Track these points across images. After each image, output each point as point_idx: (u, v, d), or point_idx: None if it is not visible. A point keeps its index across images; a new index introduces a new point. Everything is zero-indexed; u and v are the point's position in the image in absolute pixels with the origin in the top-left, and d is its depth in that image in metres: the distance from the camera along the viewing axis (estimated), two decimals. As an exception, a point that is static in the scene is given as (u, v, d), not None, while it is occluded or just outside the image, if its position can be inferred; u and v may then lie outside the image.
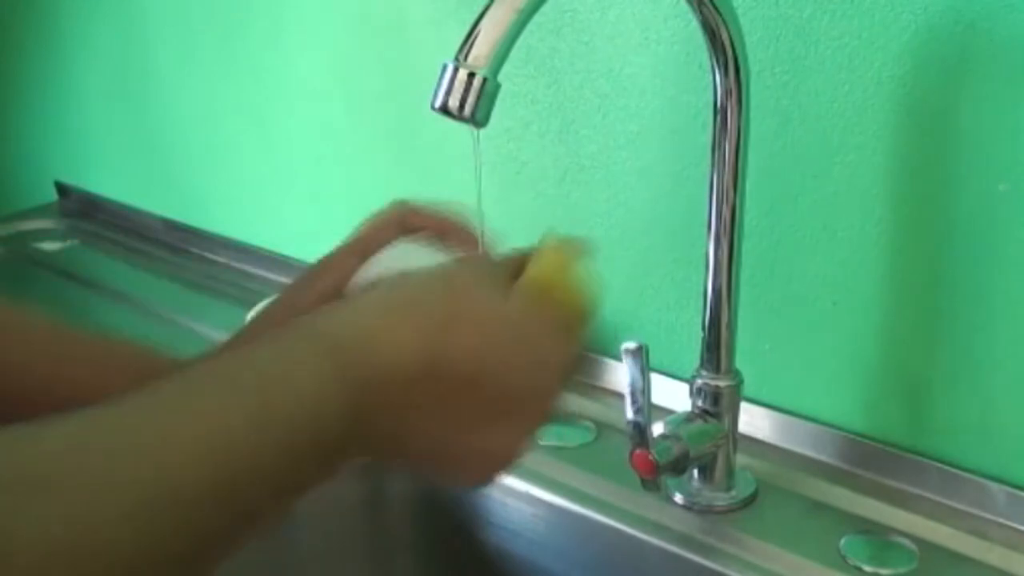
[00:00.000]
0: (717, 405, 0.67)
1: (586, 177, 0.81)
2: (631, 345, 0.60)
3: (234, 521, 0.35)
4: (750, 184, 0.64)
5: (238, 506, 0.35)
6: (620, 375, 0.68)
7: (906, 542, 0.65)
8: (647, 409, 0.61)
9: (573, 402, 0.81)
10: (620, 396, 0.63)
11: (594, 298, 0.47)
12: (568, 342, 0.45)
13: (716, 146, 0.62)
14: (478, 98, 0.49)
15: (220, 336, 0.95)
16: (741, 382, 0.67)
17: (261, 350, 0.38)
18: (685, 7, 0.58)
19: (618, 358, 0.62)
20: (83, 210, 1.32)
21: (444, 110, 0.50)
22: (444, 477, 0.44)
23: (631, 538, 0.68)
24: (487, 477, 0.44)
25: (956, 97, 0.62)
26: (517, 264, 0.46)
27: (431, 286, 0.42)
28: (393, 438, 0.40)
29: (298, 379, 0.37)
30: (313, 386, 0.37)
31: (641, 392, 0.61)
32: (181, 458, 0.33)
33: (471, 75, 0.49)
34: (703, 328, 0.66)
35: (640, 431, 0.62)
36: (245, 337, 0.56)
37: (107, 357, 0.52)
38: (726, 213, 0.63)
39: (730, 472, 0.69)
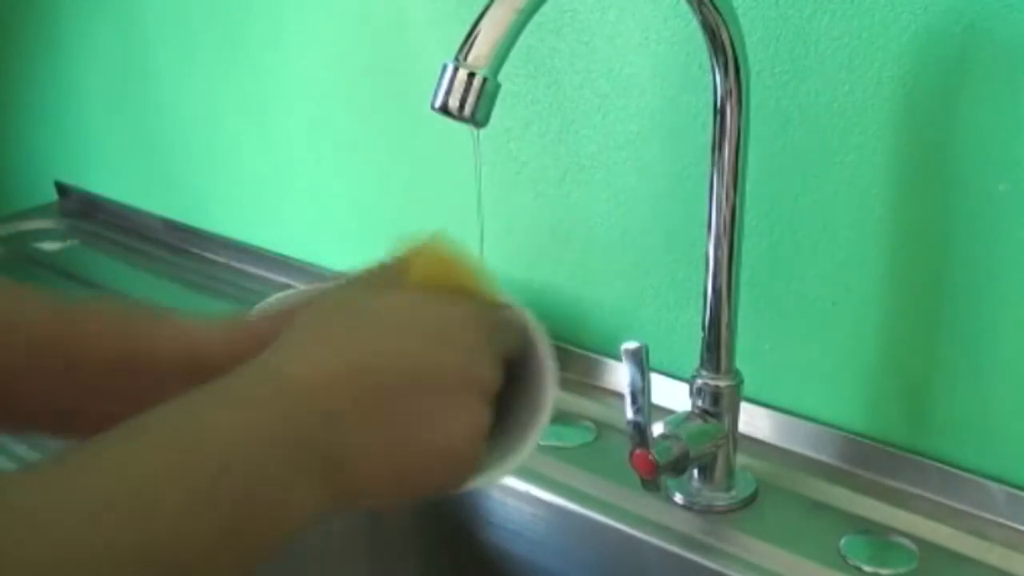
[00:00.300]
0: (717, 405, 0.67)
1: (586, 177, 0.81)
2: (631, 345, 0.60)
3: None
4: (750, 184, 0.64)
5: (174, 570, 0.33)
6: (620, 375, 0.68)
7: (906, 542, 0.65)
8: (647, 409, 0.61)
9: (573, 402, 0.81)
10: (620, 396, 0.63)
11: (479, 275, 0.47)
12: (465, 313, 0.44)
13: (716, 146, 0.62)
14: (478, 98, 0.49)
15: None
16: (741, 382, 0.67)
17: (205, 427, 0.37)
18: (685, 7, 0.58)
19: (618, 358, 0.62)
20: (83, 210, 1.31)
21: (444, 110, 0.50)
22: (420, 487, 0.42)
23: (631, 538, 0.68)
24: (460, 471, 0.43)
25: (956, 97, 0.62)
26: (401, 266, 0.46)
27: (326, 301, 0.44)
28: (349, 460, 0.39)
29: (250, 459, 0.36)
30: (268, 462, 0.36)
31: (641, 392, 0.61)
32: (110, 523, 0.32)
33: (471, 75, 0.49)
34: (703, 328, 0.66)
35: (640, 431, 0.62)
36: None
37: (83, 320, 0.51)
38: (726, 213, 0.63)
39: (730, 472, 0.69)
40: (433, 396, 0.41)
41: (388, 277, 0.46)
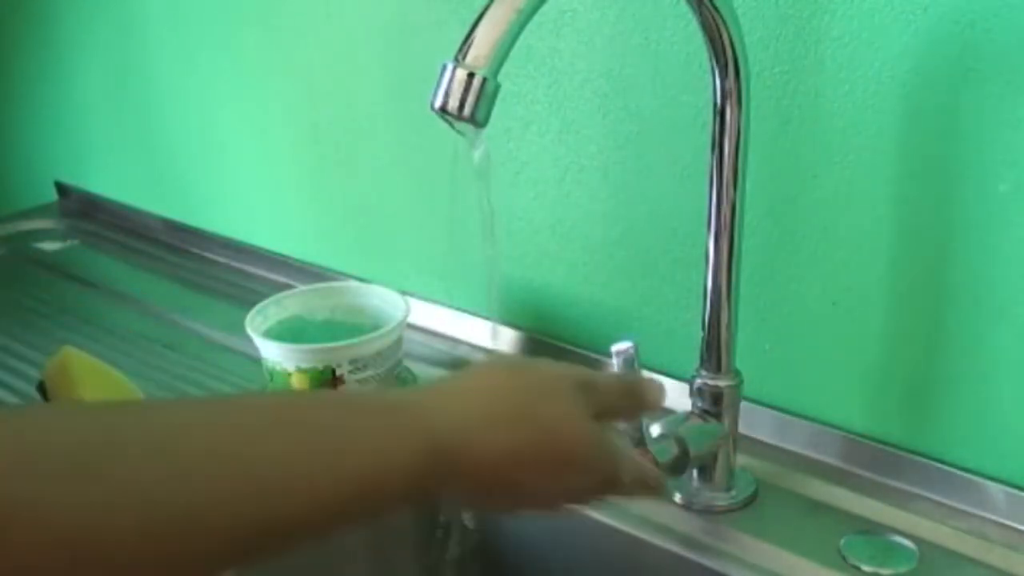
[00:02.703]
0: (717, 405, 0.67)
1: (586, 177, 0.81)
2: (621, 346, 0.60)
3: (257, 547, 0.38)
4: (750, 184, 0.64)
5: (268, 545, 0.38)
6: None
7: (906, 542, 0.65)
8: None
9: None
10: (620, 396, 0.63)
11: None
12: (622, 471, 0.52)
13: (716, 146, 0.62)
14: (478, 98, 0.49)
15: (219, 336, 0.96)
16: (741, 382, 0.67)
17: (362, 415, 0.44)
18: (685, 7, 0.58)
19: (618, 358, 0.62)
20: (83, 210, 1.32)
21: (444, 110, 0.50)
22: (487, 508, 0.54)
23: (631, 538, 0.68)
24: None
25: (956, 97, 0.62)
26: (611, 398, 0.53)
27: (535, 403, 0.48)
28: (457, 499, 0.50)
29: (393, 453, 0.42)
30: (405, 461, 0.43)
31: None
32: (230, 490, 0.36)
33: (471, 75, 0.49)
34: (703, 328, 0.66)
35: (638, 431, 0.62)
36: None
37: None
38: (726, 213, 0.63)
39: (730, 472, 0.69)
40: (555, 498, 0.51)
41: (600, 400, 0.52)
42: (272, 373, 0.78)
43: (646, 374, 0.62)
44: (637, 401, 0.56)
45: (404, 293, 0.85)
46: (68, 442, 0.33)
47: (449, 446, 0.44)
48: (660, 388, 0.56)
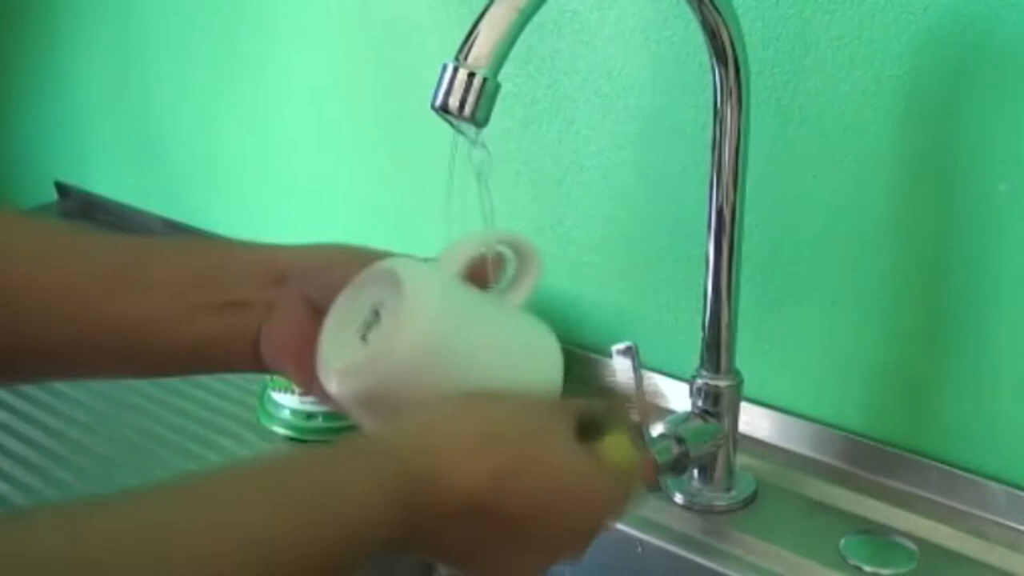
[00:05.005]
0: (717, 405, 0.67)
1: (586, 177, 0.81)
2: (621, 346, 0.60)
3: None
4: (750, 184, 0.64)
5: None
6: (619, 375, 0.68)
7: (906, 542, 0.65)
8: (643, 408, 0.61)
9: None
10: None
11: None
12: (616, 505, 0.47)
13: (716, 146, 0.62)
14: (478, 98, 0.49)
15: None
16: (741, 382, 0.67)
17: (326, 462, 0.41)
18: (685, 7, 0.58)
19: (618, 358, 0.62)
20: (83, 210, 1.31)
21: (444, 110, 0.50)
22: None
23: (631, 538, 0.68)
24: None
25: (956, 97, 0.62)
26: (592, 418, 0.48)
27: (508, 425, 0.44)
28: (436, 549, 0.43)
29: (364, 496, 0.39)
30: (379, 504, 0.39)
31: (636, 392, 0.61)
32: (219, 565, 0.34)
33: (471, 75, 0.49)
34: (703, 328, 0.66)
35: (638, 431, 0.62)
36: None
37: (88, 249, 0.51)
38: (726, 213, 0.63)
39: (730, 472, 0.69)
40: (546, 550, 0.45)
41: (582, 420, 0.47)
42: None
43: (646, 376, 0.62)
44: (625, 414, 0.54)
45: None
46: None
47: (421, 479, 0.40)
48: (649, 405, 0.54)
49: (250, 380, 0.87)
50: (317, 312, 0.48)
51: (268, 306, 0.49)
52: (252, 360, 0.50)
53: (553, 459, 0.44)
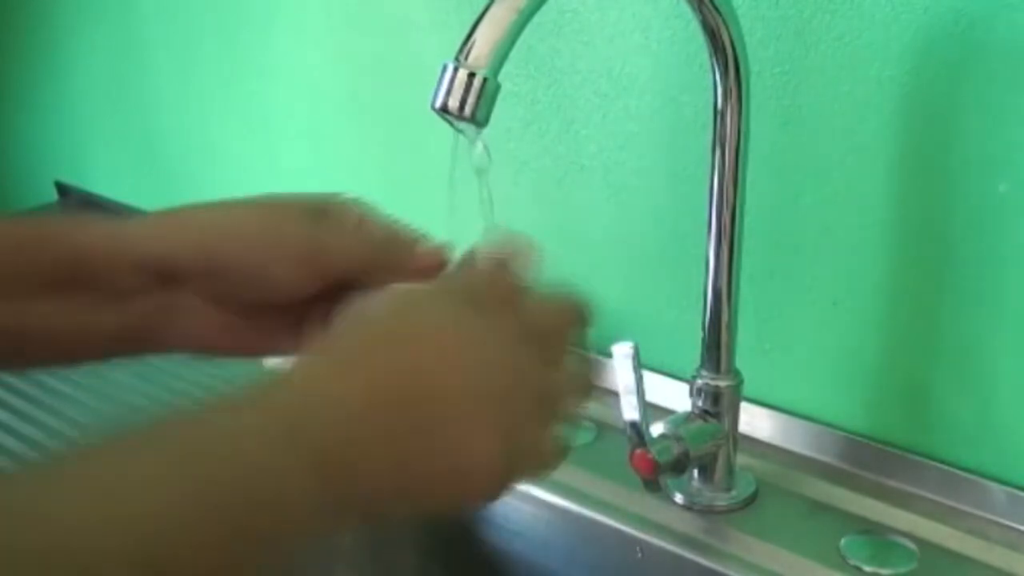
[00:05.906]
0: (717, 405, 0.67)
1: (586, 177, 0.81)
2: (621, 346, 0.60)
3: None
4: (750, 184, 0.64)
5: None
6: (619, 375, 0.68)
7: (906, 542, 0.65)
8: (643, 408, 0.61)
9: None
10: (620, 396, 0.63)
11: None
12: (515, 335, 0.43)
13: (716, 146, 0.62)
14: (478, 98, 0.49)
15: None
16: (741, 382, 0.67)
17: (205, 426, 0.37)
18: (685, 7, 0.58)
19: (618, 358, 0.62)
20: (83, 210, 1.31)
21: (444, 110, 0.50)
22: (427, 503, 0.41)
23: (631, 538, 0.68)
24: (482, 491, 0.41)
25: (956, 97, 0.62)
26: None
27: (379, 318, 0.42)
28: (372, 477, 0.38)
29: (247, 453, 0.35)
30: (264, 456, 0.35)
31: (636, 392, 0.61)
32: (99, 533, 0.31)
33: (471, 75, 0.49)
34: (703, 328, 0.66)
35: (638, 431, 0.62)
36: None
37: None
38: (726, 213, 0.63)
39: (730, 472, 0.69)
40: (452, 419, 0.39)
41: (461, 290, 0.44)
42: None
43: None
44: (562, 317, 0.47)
45: (404, 293, 0.85)
46: None
47: (301, 408, 0.37)
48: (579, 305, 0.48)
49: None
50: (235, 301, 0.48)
51: (158, 309, 0.49)
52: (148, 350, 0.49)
53: (430, 319, 0.41)
